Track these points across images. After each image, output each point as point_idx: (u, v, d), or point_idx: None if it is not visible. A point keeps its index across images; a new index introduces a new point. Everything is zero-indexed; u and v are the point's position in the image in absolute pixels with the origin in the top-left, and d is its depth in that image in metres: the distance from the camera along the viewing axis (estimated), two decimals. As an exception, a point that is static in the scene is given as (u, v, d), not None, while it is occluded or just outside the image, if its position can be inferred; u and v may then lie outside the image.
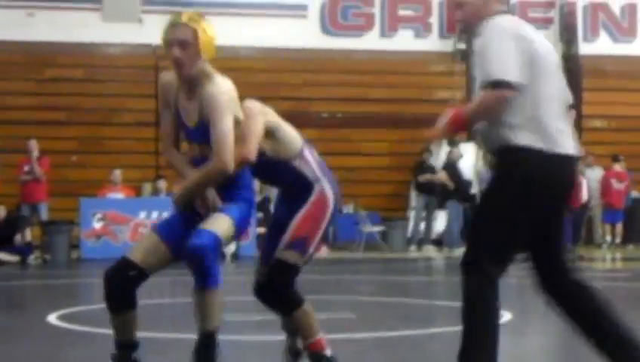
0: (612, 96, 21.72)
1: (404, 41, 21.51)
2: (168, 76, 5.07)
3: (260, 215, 17.86)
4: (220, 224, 4.90)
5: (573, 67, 20.72)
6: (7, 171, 17.52)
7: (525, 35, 4.25)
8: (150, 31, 20.38)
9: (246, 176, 5.15)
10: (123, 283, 4.86)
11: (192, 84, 4.92)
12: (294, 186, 5.29)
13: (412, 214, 19.66)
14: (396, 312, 9.16)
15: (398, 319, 8.48)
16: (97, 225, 16.83)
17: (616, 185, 19.93)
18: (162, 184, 18.08)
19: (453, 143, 18.16)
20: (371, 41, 21.36)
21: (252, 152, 5.00)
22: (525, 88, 4.15)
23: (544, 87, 4.24)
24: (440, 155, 19.22)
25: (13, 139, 18.46)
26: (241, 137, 4.97)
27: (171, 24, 4.90)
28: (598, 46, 22.37)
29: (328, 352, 5.19)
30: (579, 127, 19.54)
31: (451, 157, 18.90)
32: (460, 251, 17.76)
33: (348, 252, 18.57)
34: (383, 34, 21.63)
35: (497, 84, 4.10)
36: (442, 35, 21.84)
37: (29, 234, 16.75)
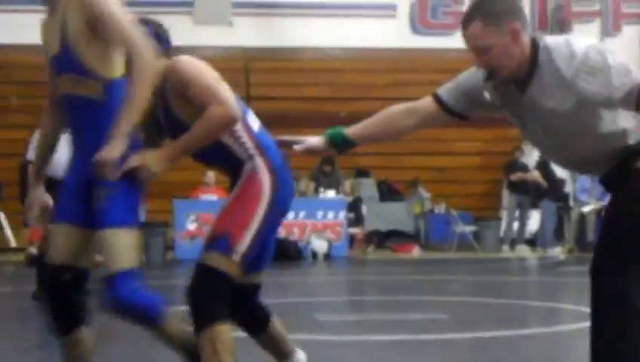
0: None
1: (495, 39, 21.31)
2: None
3: (352, 215, 17.90)
4: (118, 251, 3.99)
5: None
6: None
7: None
8: (241, 34, 20.61)
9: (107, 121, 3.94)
10: (65, 293, 4.12)
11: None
12: (226, 167, 4.31)
13: (504, 214, 19.49)
14: (489, 313, 9.08)
15: (491, 319, 8.41)
16: (191, 227, 17.04)
17: None
18: (254, 185, 18.23)
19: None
20: (461, 40, 21.16)
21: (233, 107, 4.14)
22: None
23: None
24: (532, 154, 19.00)
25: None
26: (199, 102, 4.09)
27: None
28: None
29: None
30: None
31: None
32: (554, 251, 17.56)
33: (440, 252, 18.49)
34: (474, 32, 21.44)
35: None
36: (533, 33, 21.61)
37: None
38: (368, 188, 19.65)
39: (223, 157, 4.21)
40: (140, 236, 4.14)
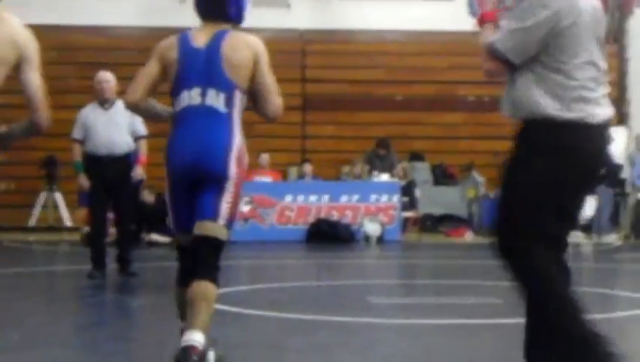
0: None
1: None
2: None
3: (406, 199, 17.86)
4: None
5: None
6: (155, 156, 17.96)
7: None
8: (297, 16, 20.62)
9: None
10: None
11: None
12: None
13: (560, 199, 19.29)
14: (543, 298, 9.01)
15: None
16: (245, 208, 17.11)
17: None
18: (308, 168, 18.28)
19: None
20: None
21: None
22: None
23: None
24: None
25: (164, 124, 18.89)
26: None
27: None
28: None
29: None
30: None
31: (601, 141, 18.45)
32: (609, 238, 17.38)
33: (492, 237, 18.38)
34: (531, 16, 21.23)
35: None
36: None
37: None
38: (422, 171, 19.59)
39: None
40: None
